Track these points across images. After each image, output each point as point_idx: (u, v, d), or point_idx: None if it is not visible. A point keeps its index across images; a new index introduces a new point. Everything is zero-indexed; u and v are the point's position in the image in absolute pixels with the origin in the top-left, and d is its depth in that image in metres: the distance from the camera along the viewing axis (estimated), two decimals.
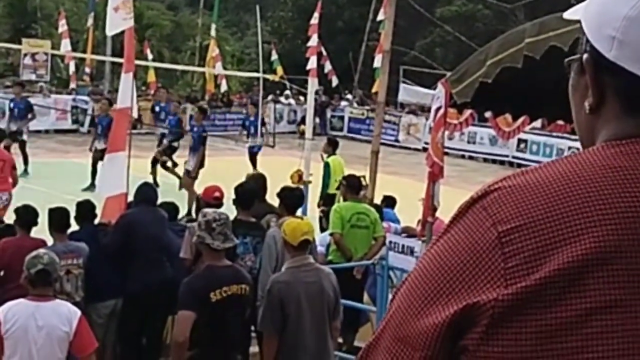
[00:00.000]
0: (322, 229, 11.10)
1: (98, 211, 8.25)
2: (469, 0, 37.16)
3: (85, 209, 7.98)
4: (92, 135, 17.77)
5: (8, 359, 5.39)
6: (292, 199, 8.03)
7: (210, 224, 5.81)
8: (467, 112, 8.09)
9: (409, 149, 27.17)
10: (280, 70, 29.20)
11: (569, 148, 21.83)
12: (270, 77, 25.40)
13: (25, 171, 17.71)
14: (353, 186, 9.65)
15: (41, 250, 6.06)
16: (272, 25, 41.89)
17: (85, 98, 26.57)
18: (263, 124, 20.72)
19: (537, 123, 12.69)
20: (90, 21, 31.36)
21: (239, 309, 5.95)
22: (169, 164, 17.50)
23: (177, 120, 18.56)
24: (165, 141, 17.59)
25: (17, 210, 7.68)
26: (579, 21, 1.20)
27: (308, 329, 6.02)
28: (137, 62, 12.70)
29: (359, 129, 29.81)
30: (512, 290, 1.03)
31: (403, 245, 8.69)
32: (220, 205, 7.78)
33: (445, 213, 6.81)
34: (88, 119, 24.76)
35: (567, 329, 1.01)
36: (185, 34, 40.66)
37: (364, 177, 10.69)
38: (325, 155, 14.18)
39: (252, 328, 7.44)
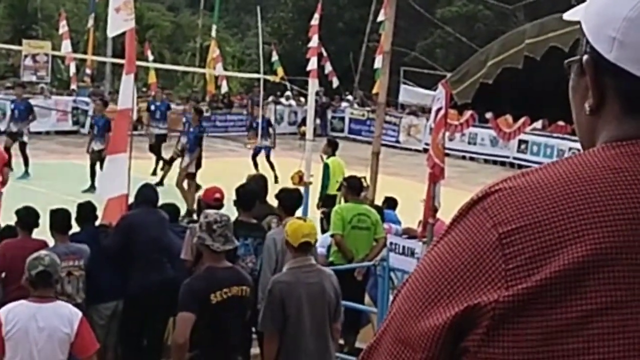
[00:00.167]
0: (323, 230, 11.10)
1: (99, 213, 8.26)
2: (470, 1, 37.14)
3: (86, 211, 7.98)
4: (90, 136, 17.69)
5: None
6: (291, 200, 8.03)
7: (211, 226, 5.80)
8: (468, 113, 8.09)
9: (410, 150, 27.16)
10: (280, 71, 29.20)
11: (570, 149, 21.83)
12: (270, 78, 25.40)
13: (26, 172, 17.72)
14: (354, 187, 9.65)
15: (42, 252, 6.07)
16: (272, 26, 41.89)
17: (86, 99, 26.57)
18: (270, 125, 20.74)
19: (538, 124, 12.69)
20: (90, 22, 31.37)
21: (240, 311, 5.95)
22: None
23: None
24: (183, 141, 17.29)
25: (18, 212, 7.68)
26: (579, 22, 1.20)
27: (309, 329, 6.01)
28: (138, 63, 12.69)
29: (359, 130, 29.81)
30: (513, 292, 1.03)
31: (404, 247, 8.68)
32: (220, 206, 7.78)
33: (446, 214, 6.80)
34: (89, 120, 24.74)
35: (568, 330, 1.01)
36: (186, 35, 40.70)
37: (364, 178, 10.69)
38: (325, 157, 14.19)
39: (253, 329, 7.44)
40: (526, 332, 1.02)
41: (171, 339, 6.53)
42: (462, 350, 1.06)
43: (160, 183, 16.22)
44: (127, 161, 9.19)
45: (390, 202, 11.44)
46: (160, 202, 8.45)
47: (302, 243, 6.07)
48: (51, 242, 7.47)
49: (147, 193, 8.26)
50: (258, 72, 24.17)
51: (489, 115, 8.69)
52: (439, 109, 7.37)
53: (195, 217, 12.09)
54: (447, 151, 8.25)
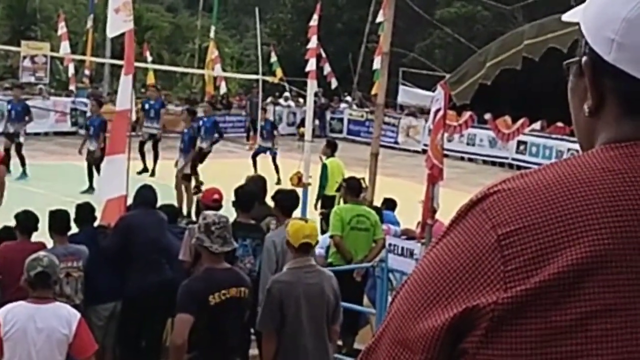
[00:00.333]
0: (322, 231, 11.10)
1: (98, 214, 8.25)
2: (468, 2, 37.14)
3: (85, 212, 7.98)
4: (85, 137, 17.62)
5: None
6: (287, 201, 8.02)
7: (209, 227, 5.80)
8: (467, 114, 8.09)
9: (409, 151, 27.16)
10: (279, 72, 29.20)
11: (569, 150, 21.82)
12: (269, 79, 25.43)
13: (24, 173, 17.71)
14: (353, 188, 9.65)
15: (41, 253, 6.07)
16: (271, 27, 41.90)
17: (85, 100, 26.52)
18: (275, 127, 20.73)
19: (537, 125, 12.72)
20: (89, 23, 31.37)
21: (238, 312, 5.95)
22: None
23: (212, 123, 17.77)
24: (204, 145, 16.96)
25: (17, 216, 7.68)
26: (577, 23, 1.20)
27: (307, 330, 6.01)
28: (137, 64, 12.68)
29: (358, 131, 29.82)
30: (512, 294, 1.03)
31: (402, 248, 8.67)
32: (219, 207, 7.78)
33: (444, 215, 6.81)
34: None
35: (567, 332, 1.01)
36: (185, 36, 40.69)
37: (363, 179, 10.69)
38: (324, 158, 14.21)
39: (252, 331, 7.43)
40: (525, 333, 1.02)
41: (169, 341, 6.52)
42: (461, 351, 1.06)
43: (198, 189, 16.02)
44: (125, 162, 9.19)
45: (389, 203, 11.44)
46: (159, 203, 8.45)
47: (303, 244, 6.07)
48: (50, 244, 7.46)
49: (146, 194, 8.25)
50: (257, 73, 24.22)
51: (487, 116, 8.70)
52: (437, 110, 7.38)
53: (194, 218, 12.09)
54: (445, 152, 8.25)
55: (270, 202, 8.87)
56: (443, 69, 24.49)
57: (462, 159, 26.24)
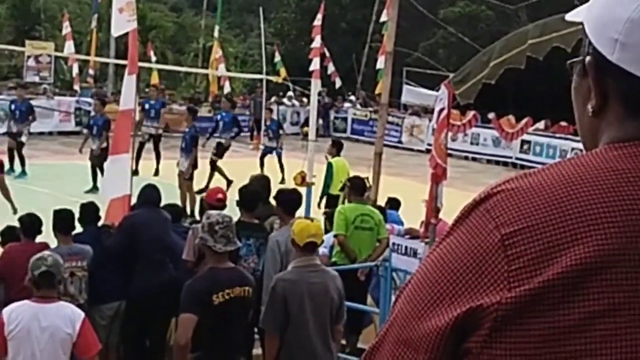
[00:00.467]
0: (326, 231, 11.11)
1: (102, 213, 8.26)
2: (472, 2, 37.11)
3: (89, 211, 7.99)
4: (86, 136, 17.63)
5: None
6: (289, 201, 8.02)
7: (213, 227, 5.80)
8: (470, 114, 8.08)
9: (412, 150, 27.14)
10: (283, 71, 29.22)
11: (572, 149, 21.81)
12: (273, 78, 25.43)
13: (23, 172, 17.72)
14: (357, 188, 9.65)
15: (45, 252, 6.08)
16: (275, 27, 41.88)
17: (89, 100, 26.55)
18: (281, 127, 20.76)
19: (541, 124, 12.68)
20: (93, 23, 31.41)
21: (242, 312, 5.94)
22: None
23: (231, 118, 18.19)
24: (222, 139, 17.36)
25: (21, 219, 7.70)
26: (581, 23, 1.20)
27: (310, 328, 6.01)
28: (140, 64, 12.70)
29: (362, 131, 29.81)
30: (516, 294, 1.03)
31: (406, 247, 8.66)
32: (223, 207, 7.78)
33: (448, 215, 6.80)
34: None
35: (571, 332, 1.01)
36: (189, 35, 40.68)
37: (367, 178, 10.69)
38: (330, 157, 14.22)
39: (255, 330, 7.43)
40: (529, 333, 1.02)
41: (173, 340, 6.53)
42: (465, 351, 1.06)
43: (205, 189, 16.04)
44: (129, 161, 9.20)
45: (393, 203, 11.45)
46: (162, 203, 8.45)
47: (308, 243, 6.08)
48: (53, 244, 7.47)
49: (150, 193, 8.26)
50: (261, 72, 24.24)
51: (491, 115, 8.68)
52: (441, 110, 7.36)
53: (197, 217, 12.10)
54: (449, 151, 8.24)
55: (273, 202, 8.89)
56: (447, 69, 24.50)
57: (466, 158, 26.22)
